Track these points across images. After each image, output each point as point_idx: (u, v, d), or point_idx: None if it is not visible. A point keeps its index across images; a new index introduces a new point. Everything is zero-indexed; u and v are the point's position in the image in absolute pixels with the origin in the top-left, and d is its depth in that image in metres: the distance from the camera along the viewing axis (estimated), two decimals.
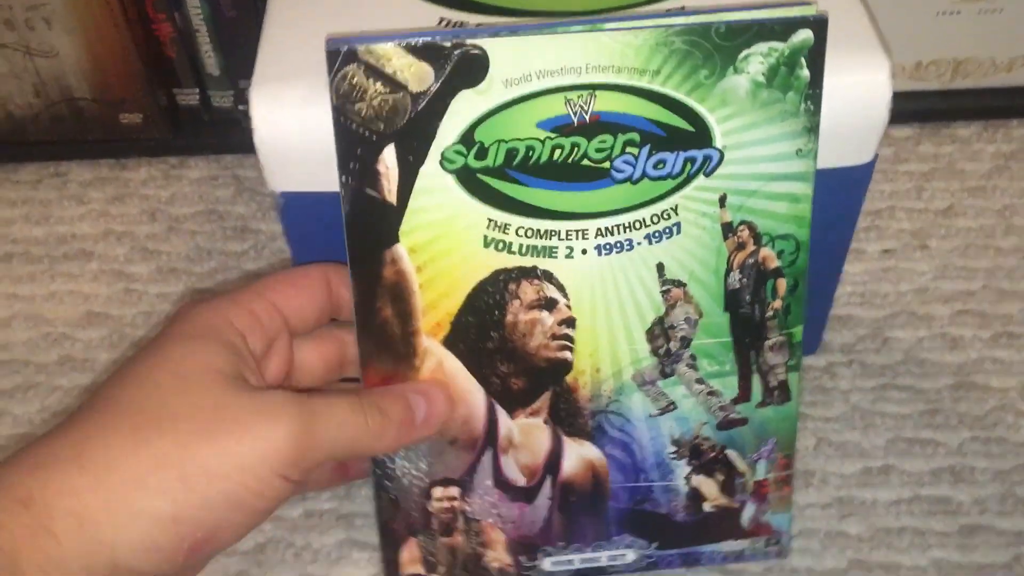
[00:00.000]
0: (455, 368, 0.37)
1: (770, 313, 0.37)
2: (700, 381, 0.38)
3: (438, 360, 0.37)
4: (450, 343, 0.36)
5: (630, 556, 0.41)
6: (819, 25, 0.33)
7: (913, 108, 0.59)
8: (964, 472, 0.45)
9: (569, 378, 0.37)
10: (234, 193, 0.58)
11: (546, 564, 0.40)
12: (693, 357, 0.38)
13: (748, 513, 0.41)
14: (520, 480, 0.39)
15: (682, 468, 0.39)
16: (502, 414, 0.38)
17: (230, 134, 0.59)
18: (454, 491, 0.39)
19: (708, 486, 0.40)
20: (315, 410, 0.33)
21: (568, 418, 0.38)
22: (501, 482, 0.39)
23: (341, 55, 0.32)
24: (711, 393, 0.38)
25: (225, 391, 0.32)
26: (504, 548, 0.40)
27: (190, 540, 0.31)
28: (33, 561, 0.28)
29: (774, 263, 0.37)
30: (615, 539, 0.40)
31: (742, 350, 0.38)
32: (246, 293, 0.35)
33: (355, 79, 0.32)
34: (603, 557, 0.41)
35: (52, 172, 0.60)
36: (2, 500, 0.29)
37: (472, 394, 0.37)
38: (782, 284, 0.37)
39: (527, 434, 0.38)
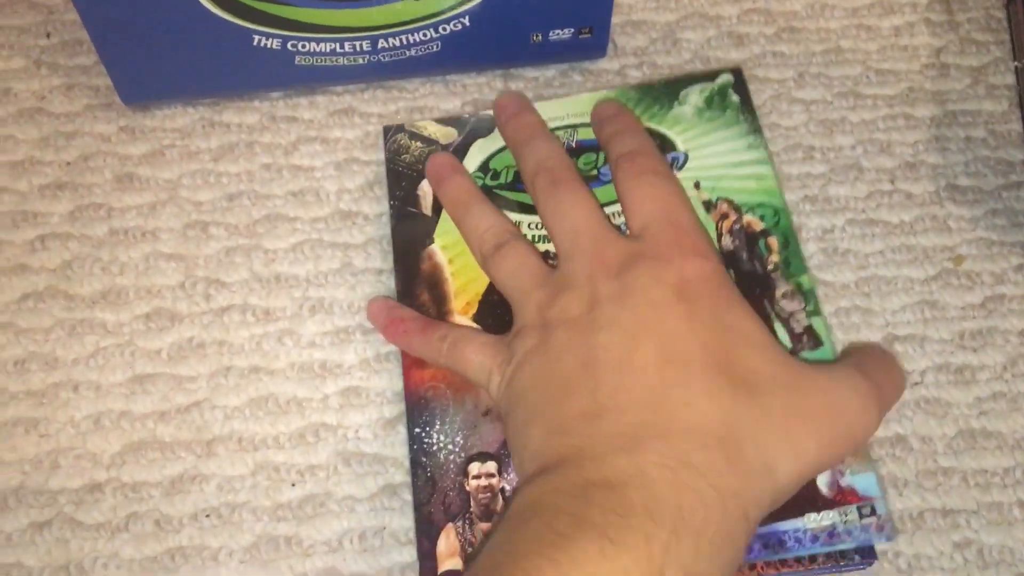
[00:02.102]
0: None
1: (771, 267, 0.40)
2: None
3: None
4: (479, 318, 0.41)
5: None
6: (736, 72, 0.45)
7: None
8: None
9: None
10: None
11: None
12: None
13: (823, 475, 0.36)
14: None
15: None
16: None
17: None
18: (492, 466, 0.37)
19: None
20: None
21: None
22: None
23: (393, 128, 0.46)
24: None
25: None
26: None
27: None
28: None
29: (759, 226, 0.41)
30: None
31: (754, 302, 0.39)
32: None
33: (402, 141, 0.45)
34: None
35: None
36: None
37: None
38: (773, 242, 0.41)
39: None
